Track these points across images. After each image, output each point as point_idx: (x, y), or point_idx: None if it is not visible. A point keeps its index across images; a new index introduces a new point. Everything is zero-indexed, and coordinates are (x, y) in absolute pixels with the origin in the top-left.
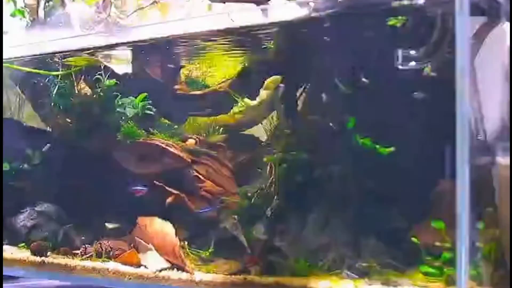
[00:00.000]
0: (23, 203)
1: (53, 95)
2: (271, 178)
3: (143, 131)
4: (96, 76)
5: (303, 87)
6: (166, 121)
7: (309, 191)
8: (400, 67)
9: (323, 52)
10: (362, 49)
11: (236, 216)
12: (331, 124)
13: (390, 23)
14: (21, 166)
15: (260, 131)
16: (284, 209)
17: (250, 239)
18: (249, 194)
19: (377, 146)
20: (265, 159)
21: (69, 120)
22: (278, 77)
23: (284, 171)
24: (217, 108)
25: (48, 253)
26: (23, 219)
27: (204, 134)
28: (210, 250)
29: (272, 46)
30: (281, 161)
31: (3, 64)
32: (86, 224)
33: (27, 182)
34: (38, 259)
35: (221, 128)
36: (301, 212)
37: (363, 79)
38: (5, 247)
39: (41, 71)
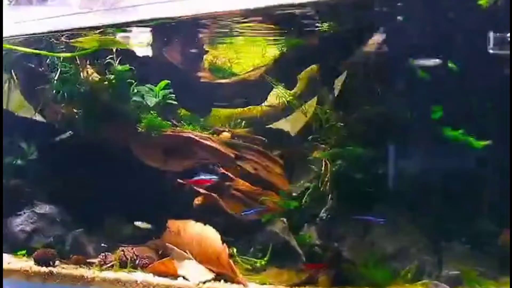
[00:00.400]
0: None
1: (55, 81)
2: (327, 176)
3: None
4: (107, 61)
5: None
6: (188, 112)
7: (376, 190)
8: (491, 51)
9: (392, 33)
10: (446, 30)
11: (285, 219)
12: (405, 115)
13: (480, 2)
14: (14, 162)
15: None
16: (343, 211)
17: (302, 244)
18: (295, 194)
19: (471, 139)
20: (317, 155)
21: (75, 110)
22: (314, 66)
23: (343, 168)
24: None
25: (56, 262)
26: (21, 223)
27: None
28: (266, 258)
29: (326, 28)
30: (334, 157)
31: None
32: (99, 229)
33: (23, 180)
34: (44, 269)
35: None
36: (365, 214)
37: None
38: None
39: (42, 52)
